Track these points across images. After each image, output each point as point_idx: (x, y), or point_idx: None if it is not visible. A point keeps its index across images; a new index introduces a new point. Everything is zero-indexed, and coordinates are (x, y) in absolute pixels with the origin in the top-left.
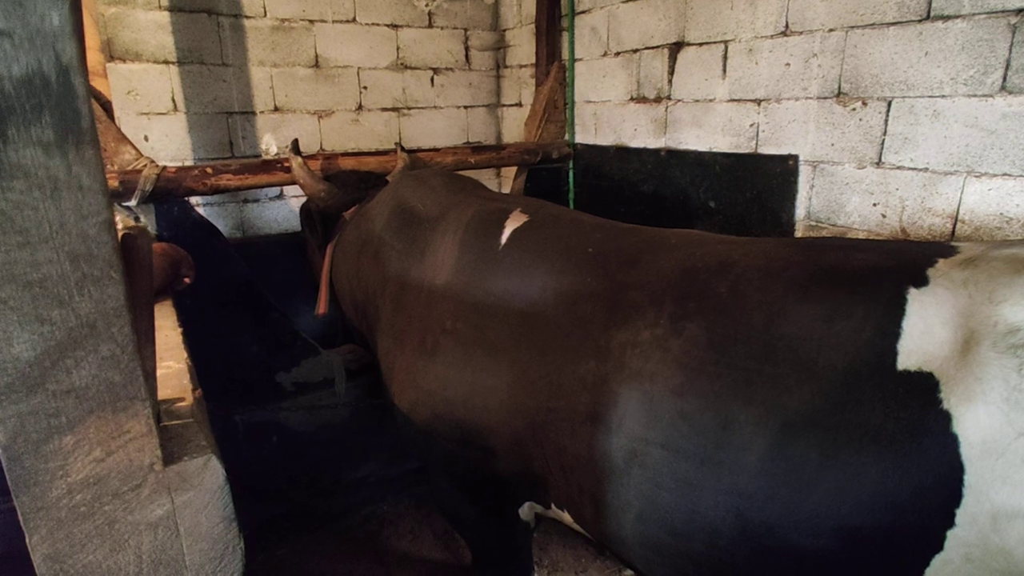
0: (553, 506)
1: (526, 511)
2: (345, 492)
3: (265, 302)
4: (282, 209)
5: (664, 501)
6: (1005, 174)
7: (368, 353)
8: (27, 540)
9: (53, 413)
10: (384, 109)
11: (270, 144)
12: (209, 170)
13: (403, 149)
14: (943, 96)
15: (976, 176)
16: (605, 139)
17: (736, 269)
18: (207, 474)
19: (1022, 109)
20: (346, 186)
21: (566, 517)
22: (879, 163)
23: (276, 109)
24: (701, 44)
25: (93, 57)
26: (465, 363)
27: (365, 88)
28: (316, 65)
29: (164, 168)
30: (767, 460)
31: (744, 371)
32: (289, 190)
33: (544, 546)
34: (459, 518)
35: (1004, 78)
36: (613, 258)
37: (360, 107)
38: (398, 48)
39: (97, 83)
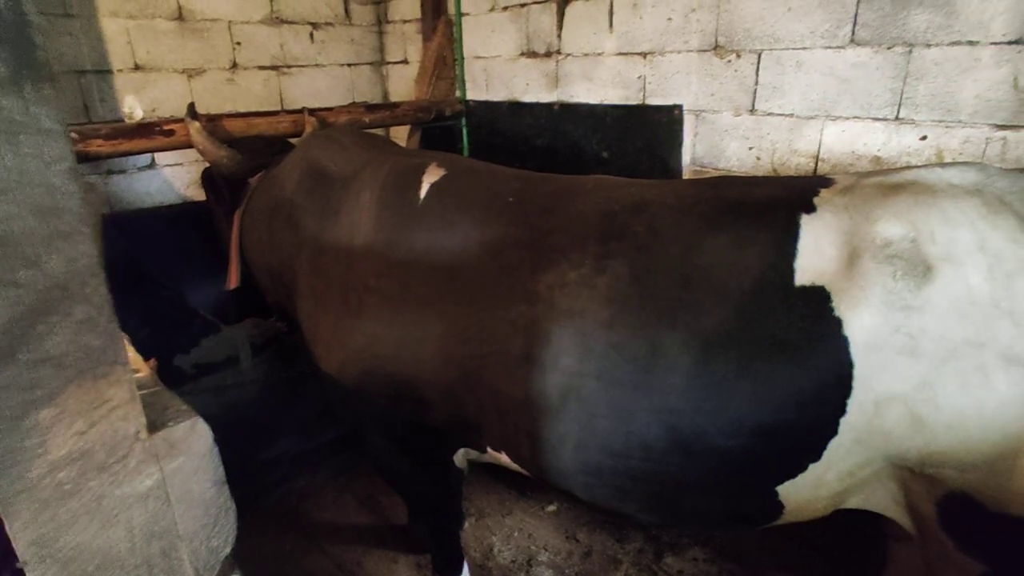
0: (489, 449)
1: (460, 458)
2: (260, 472)
3: (152, 280)
4: (155, 180)
5: (601, 428)
6: (855, 117)
7: (273, 324)
8: (7, 528)
9: (28, 386)
10: (262, 68)
11: (134, 107)
12: (75, 135)
13: (311, 112)
14: (804, 48)
15: (832, 119)
16: (497, 95)
17: (651, 208)
18: (195, 438)
19: (867, 59)
20: (250, 151)
21: (503, 458)
22: (752, 110)
23: (137, 67)
24: None
25: None
26: (392, 319)
27: (239, 44)
28: (180, 17)
29: None
30: (692, 377)
31: (666, 300)
32: (162, 158)
33: (467, 496)
34: (395, 472)
35: (853, 32)
36: (533, 206)
37: (235, 65)
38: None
39: None
